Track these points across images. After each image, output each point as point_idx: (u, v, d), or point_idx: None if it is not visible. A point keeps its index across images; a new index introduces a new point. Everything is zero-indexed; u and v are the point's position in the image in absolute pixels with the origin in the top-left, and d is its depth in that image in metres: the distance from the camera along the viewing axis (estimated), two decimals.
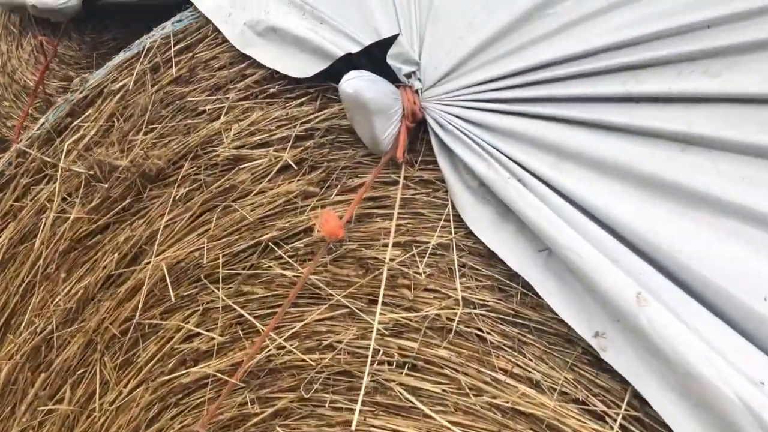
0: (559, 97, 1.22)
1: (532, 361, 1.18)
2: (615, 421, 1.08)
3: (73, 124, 1.74)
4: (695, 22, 1.16)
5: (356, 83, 1.25)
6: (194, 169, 1.55)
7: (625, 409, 1.07)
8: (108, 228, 1.63)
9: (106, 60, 3.12)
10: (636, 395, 1.07)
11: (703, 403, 0.99)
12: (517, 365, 1.18)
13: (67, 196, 1.68)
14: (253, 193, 1.46)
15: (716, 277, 1.04)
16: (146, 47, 1.69)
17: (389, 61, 1.31)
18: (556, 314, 1.15)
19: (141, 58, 1.67)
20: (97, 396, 1.53)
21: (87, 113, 1.74)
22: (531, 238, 1.20)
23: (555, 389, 1.14)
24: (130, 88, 1.66)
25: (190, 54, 1.64)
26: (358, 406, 1.23)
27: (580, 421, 1.11)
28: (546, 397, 1.15)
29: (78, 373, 1.57)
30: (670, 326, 1.01)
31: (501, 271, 1.23)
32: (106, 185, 1.60)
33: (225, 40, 1.63)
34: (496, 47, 1.30)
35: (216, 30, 1.65)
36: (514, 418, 1.17)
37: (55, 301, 1.61)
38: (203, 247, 1.47)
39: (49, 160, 1.70)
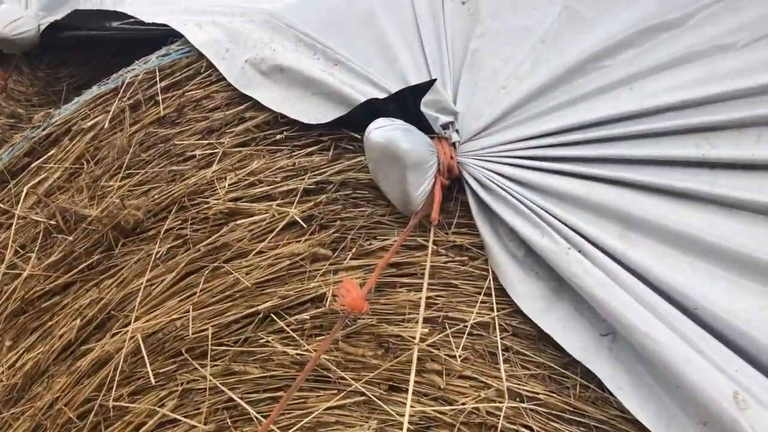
0: (622, 158, 1.07)
1: None
2: None
3: (32, 165, 1.50)
4: None
5: (389, 132, 1.08)
6: (179, 223, 1.32)
7: None
8: (69, 288, 1.37)
9: (59, 97, 2.89)
10: None
11: None
12: None
13: (20, 249, 1.43)
14: (250, 254, 1.24)
15: None
16: (126, 82, 1.48)
17: (424, 109, 1.14)
18: (624, 412, 0.96)
19: (120, 94, 1.46)
20: None
21: (50, 153, 1.50)
22: (592, 320, 1.02)
23: None
24: (105, 126, 1.44)
25: (179, 92, 1.44)
26: None
27: None
28: None
29: None
30: None
31: (554, 357, 1.04)
32: (70, 237, 1.36)
33: (220, 78, 1.44)
34: (546, 99, 1.15)
35: (210, 66, 1.47)
36: None
37: None
38: (187, 315, 1.24)
39: (1, 206, 1.45)
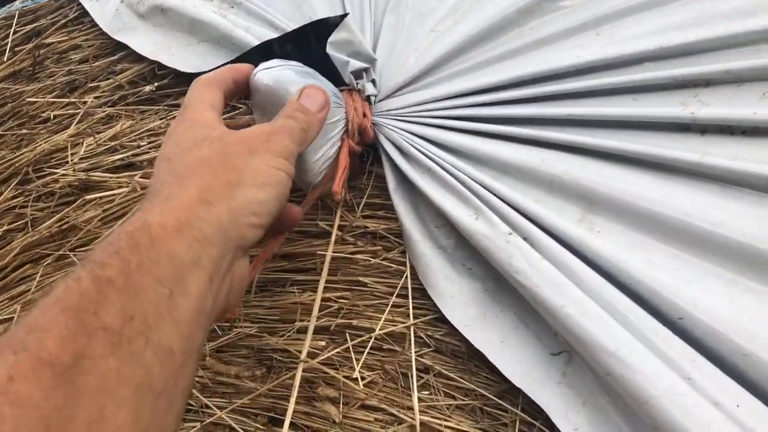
0: (586, 119, 0.81)
1: None
2: None
3: None
4: None
5: (279, 72, 0.79)
6: (19, 198, 1.02)
7: None
8: None
9: None
10: None
11: None
12: None
13: None
14: (103, 240, 0.95)
15: None
16: None
17: (331, 50, 0.86)
18: None
19: None
20: None
21: None
22: (540, 333, 0.75)
23: None
24: None
25: (41, 41, 1.15)
26: None
27: None
28: None
29: None
30: None
31: (488, 383, 0.76)
32: None
33: (94, 27, 1.15)
34: (491, 46, 0.89)
35: (84, 14, 1.18)
36: None
37: None
38: (14, 317, 0.94)
39: None
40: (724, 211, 0.72)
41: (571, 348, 0.71)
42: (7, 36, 1.18)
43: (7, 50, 1.13)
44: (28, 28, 1.17)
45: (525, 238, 0.74)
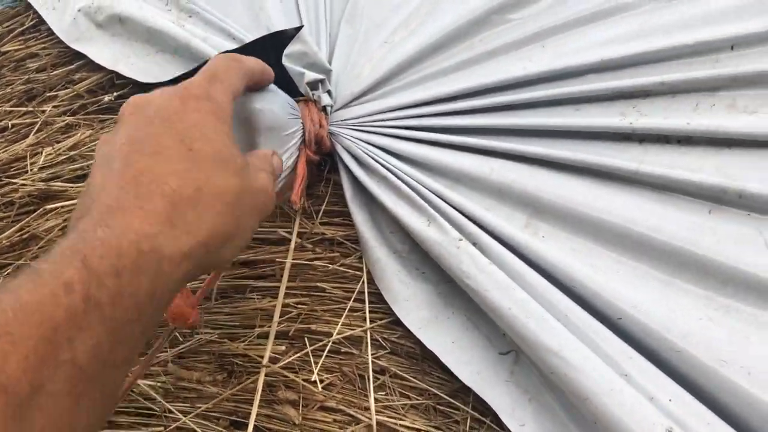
0: (529, 128, 0.85)
1: None
2: None
3: None
4: (716, 40, 0.84)
5: None
6: None
7: None
8: None
9: None
10: None
11: None
12: None
13: None
14: None
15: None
16: None
17: (286, 62, 0.89)
18: None
19: None
20: None
21: None
22: (489, 334, 0.79)
23: None
24: None
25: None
26: None
27: None
28: None
29: None
30: None
31: (441, 383, 0.80)
32: None
33: (51, 35, 1.15)
34: (443, 57, 0.93)
35: (41, 22, 1.18)
36: None
37: None
38: None
39: None
40: (660, 217, 0.77)
41: (518, 348, 0.75)
42: None
43: None
44: None
45: (474, 244, 0.78)
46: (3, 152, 1.06)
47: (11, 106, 1.09)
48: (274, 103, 0.83)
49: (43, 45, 1.15)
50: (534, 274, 0.75)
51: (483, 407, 0.76)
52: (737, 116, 0.81)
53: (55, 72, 1.10)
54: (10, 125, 1.07)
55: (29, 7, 1.19)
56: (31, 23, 1.17)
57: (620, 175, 0.80)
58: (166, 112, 0.50)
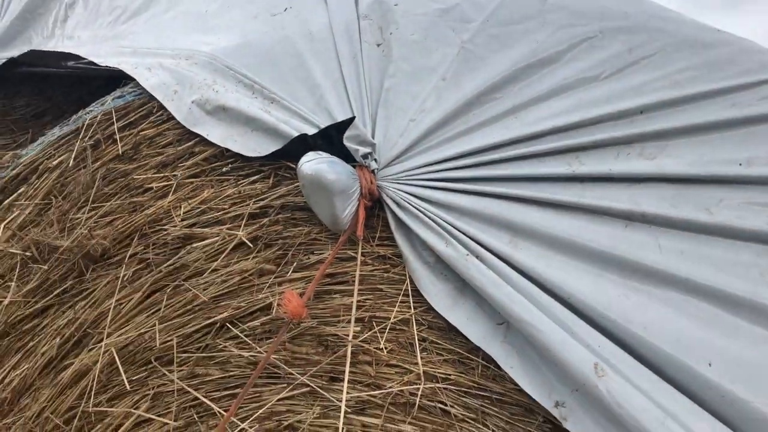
0: (510, 177, 1.30)
1: (495, 431, 1.21)
2: None
3: (4, 203, 1.67)
4: (630, 109, 1.28)
5: (316, 165, 1.29)
6: (142, 248, 1.52)
7: None
8: (47, 311, 1.56)
9: (19, 126, 3.03)
10: None
11: None
12: None
13: None
14: (206, 272, 1.44)
15: (665, 345, 1.11)
16: (86, 123, 1.66)
17: (346, 143, 1.35)
18: (518, 386, 1.19)
19: (81, 134, 1.64)
20: None
21: (20, 191, 1.68)
22: (490, 313, 1.25)
23: None
24: (70, 164, 1.62)
25: (135, 130, 1.63)
26: None
27: None
28: None
29: None
30: (627, 394, 1.07)
31: (461, 344, 1.27)
32: (45, 266, 1.54)
33: (170, 118, 1.63)
34: (448, 129, 1.37)
35: (161, 107, 1.65)
36: None
37: None
38: (153, 328, 1.43)
39: None
40: (593, 231, 1.22)
41: (508, 321, 1.21)
42: (108, 126, 1.64)
43: (115, 138, 1.60)
44: (124, 121, 1.63)
45: (477, 257, 1.24)
46: (151, 207, 1.54)
47: (152, 174, 1.57)
48: (342, 174, 1.29)
49: (167, 126, 1.61)
50: (515, 274, 1.21)
51: (488, 359, 1.23)
52: (643, 161, 1.25)
53: (179, 147, 1.57)
54: (153, 186, 1.55)
55: (152, 97, 1.65)
56: (156, 111, 1.64)
57: (567, 205, 1.24)
58: None
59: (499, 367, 1.21)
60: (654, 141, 1.26)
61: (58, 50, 2.08)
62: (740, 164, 1.20)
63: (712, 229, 1.17)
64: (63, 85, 2.97)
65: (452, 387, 1.25)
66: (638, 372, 1.11)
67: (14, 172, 1.68)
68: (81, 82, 2.76)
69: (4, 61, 2.41)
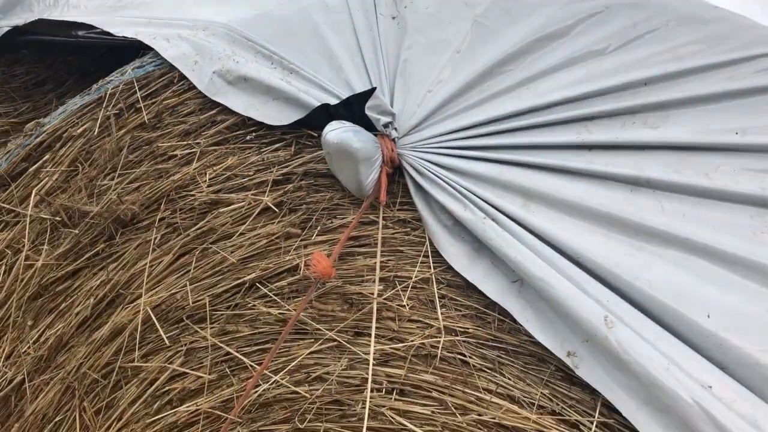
0: (522, 145, 1.39)
1: (511, 380, 1.32)
2: (589, 429, 1.24)
3: (29, 170, 1.73)
4: (635, 81, 1.37)
5: (342, 134, 1.37)
6: (169, 213, 1.59)
7: (597, 417, 1.23)
8: (78, 273, 1.63)
9: (20, 95, 3.04)
10: (605, 404, 1.23)
11: (665, 407, 1.16)
12: (498, 384, 1.32)
13: (29, 244, 1.67)
14: (233, 236, 1.52)
15: (668, 299, 1.22)
16: (108, 93, 1.72)
17: (368, 112, 1.43)
18: (531, 337, 1.30)
19: (105, 103, 1.70)
20: None
21: (44, 158, 1.74)
22: (505, 271, 1.35)
23: (534, 404, 1.29)
24: (95, 133, 1.68)
25: (157, 99, 1.69)
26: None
27: (558, 430, 1.26)
28: (526, 412, 1.29)
29: (55, 421, 1.56)
30: (634, 343, 1.19)
31: (478, 300, 1.37)
32: (76, 231, 1.61)
33: (191, 87, 1.69)
34: (464, 99, 1.46)
35: (182, 77, 1.71)
36: (499, 431, 1.31)
37: (24, 350, 1.59)
38: (185, 288, 1.52)
39: (7, 206, 1.69)
40: (602, 196, 1.32)
41: (522, 278, 1.32)
42: (130, 96, 1.70)
43: (138, 107, 1.66)
44: (145, 91, 1.69)
45: (493, 219, 1.34)
46: (176, 173, 1.61)
47: (176, 141, 1.63)
48: (366, 142, 1.38)
49: (188, 96, 1.67)
50: (529, 235, 1.31)
51: (503, 313, 1.33)
52: (648, 130, 1.34)
53: (202, 115, 1.63)
54: (178, 154, 1.62)
55: (172, 67, 1.70)
56: (176, 79, 1.70)
57: (577, 171, 1.34)
58: None
59: (514, 321, 1.32)
60: (657, 111, 1.36)
61: (69, 20, 2.10)
62: (736, 133, 1.30)
63: (711, 193, 1.28)
64: (63, 53, 2.99)
65: (470, 339, 1.35)
66: (643, 324, 1.22)
67: (38, 140, 1.73)
68: (83, 49, 2.79)
69: (8, 29, 2.43)
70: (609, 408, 1.23)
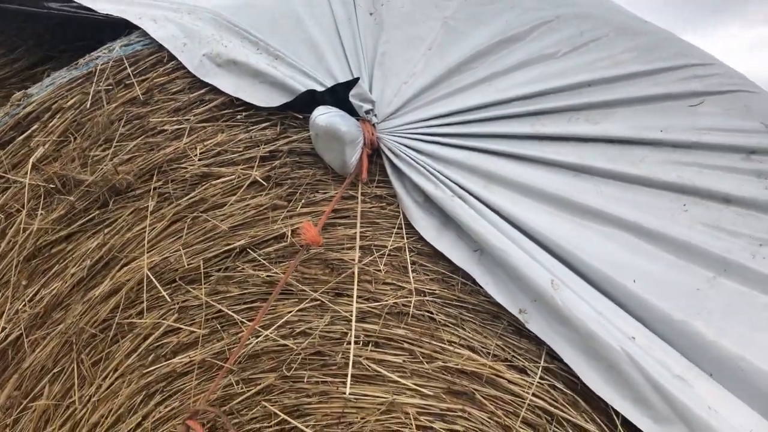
0: (485, 134, 1.62)
1: (470, 333, 1.56)
2: (536, 373, 1.50)
3: (17, 139, 1.83)
4: (580, 82, 1.62)
5: (331, 118, 1.55)
6: (161, 183, 1.73)
7: (543, 363, 1.49)
8: (71, 237, 1.75)
9: None
10: (549, 353, 1.49)
11: (599, 355, 1.42)
12: (460, 337, 1.56)
13: (21, 208, 1.77)
14: (224, 206, 1.69)
15: (602, 266, 1.48)
16: (98, 68, 1.83)
17: (351, 99, 1.62)
18: (488, 298, 1.54)
19: (95, 79, 1.81)
20: (75, 390, 1.67)
21: (33, 128, 1.83)
22: (468, 242, 1.58)
23: (489, 353, 1.54)
24: (87, 106, 1.79)
25: (147, 77, 1.81)
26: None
27: (509, 374, 1.52)
28: (483, 359, 1.54)
29: (53, 371, 1.69)
30: (575, 302, 1.44)
31: (445, 266, 1.60)
32: (72, 198, 1.73)
33: (180, 67, 1.82)
34: (435, 91, 1.67)
35: (171, 58, 1.83)
36: (460, 376, 1.55)
37: (20, 307, 1.71)
38: (178, 252, 1.68)
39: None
40: (551, 180, 1.56)
41: (483, 248, 1.55)
42: (119, 72, 1.81)
43: (127, 83, 1.78)
44: (134, 68, 1.81)
45: (460, 198, 1.56)
46: (168, 147, 1.75)
47: (165, 117, 1.77)
48: (351, 126, 1.57)
49: (177, 75, 1.80)
50: (490, 212, 1.54)
51: (466, 277, 1.56)
52: (589, 126, 1.60)
53: (191, 94, 1.77)
54: (168, 129, 1.76)
55: (160, 47, 1.82)
56: (166, 61, 1.82)
57: (530, 158, 1.58)
58: None
59: (474, 284, 1.56)
60: (598, 109, 1.62)
61: None
62: (661, 131, 1.57)
63: (638, 180, 1.55)
64: (17, 20, 2.97)
65: (437, 299, 1.58)
66: (582, 286, 1.48)
67: (26, 110, 1.83)
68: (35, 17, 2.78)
69: None
70: (552, 356, 1.49)
